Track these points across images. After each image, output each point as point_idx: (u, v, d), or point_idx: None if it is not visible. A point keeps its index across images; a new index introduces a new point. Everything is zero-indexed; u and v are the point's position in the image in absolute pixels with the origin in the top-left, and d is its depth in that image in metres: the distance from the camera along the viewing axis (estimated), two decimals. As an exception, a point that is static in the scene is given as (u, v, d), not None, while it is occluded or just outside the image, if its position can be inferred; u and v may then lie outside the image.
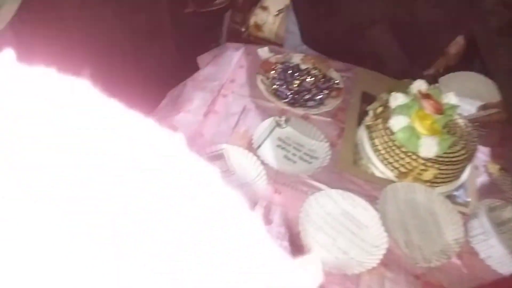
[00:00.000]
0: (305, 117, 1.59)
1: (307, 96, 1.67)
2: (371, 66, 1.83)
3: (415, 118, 1.40)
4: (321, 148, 1.50)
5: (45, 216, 0.27)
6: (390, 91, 1.51)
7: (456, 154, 1.36)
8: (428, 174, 1.37)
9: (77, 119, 0.27)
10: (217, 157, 1.34)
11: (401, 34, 1.72)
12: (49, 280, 0.27)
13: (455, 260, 1.27)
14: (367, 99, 1.69)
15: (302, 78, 1.72)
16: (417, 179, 1.38)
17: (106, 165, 0.28)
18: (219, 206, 0.29)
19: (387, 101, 1.49)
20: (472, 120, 1.52)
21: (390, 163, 1.42)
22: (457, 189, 1.46)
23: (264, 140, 1.47)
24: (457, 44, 1.91)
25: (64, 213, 0.27)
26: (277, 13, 2.37)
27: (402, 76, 1.76)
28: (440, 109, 1.41)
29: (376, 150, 1.46)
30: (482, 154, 1.59)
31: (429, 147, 1.34)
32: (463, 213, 1.35)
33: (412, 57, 1.81)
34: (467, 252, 1.29)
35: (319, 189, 1.36)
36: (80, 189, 0.27)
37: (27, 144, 0.26)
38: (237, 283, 0.29)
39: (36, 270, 0.27)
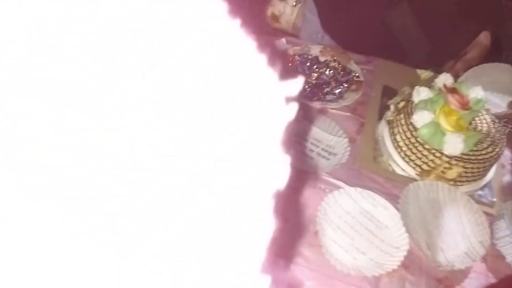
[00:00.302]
0: (323, 112, 1.60)
1: (325, 90, 1.68)
2: (392, 53, 1.82)
3: (440, 114, 1.40)
4: (339, 144, 1.50)
5: (45, 216, 0.28)
6: (412, 85, 1.51)
7: (482, 152, 1.36)
8: (452, 173, 1.37)
9: (77, 119, 0.29)
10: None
11: (423, 19, 1.72)
12: (49, 280, 0.29)
13: (479, 264, 1.27)
14: (388, 92, 1.69)
15: (320, 70, 1.72)
16: (440, 178, 1.38)
17: (106, 165, 0.29)
18: (220, 206, 0.31)
19: (410, 95, 1.49)
20: (500, 116, 1.52)
21: (412, 160, 1.42)
22: (482, 188, 1.46)
23: (280, 135, 1.48)
24: (480, 46, 1.89)
25: (64, 213, 0.28)
26: (294, 3, 2.37)
27: (423, 65, 1.76)
28: (466, 104, 1.40)
29: (397, 147, 1.46)
30: (509, 151, 1.58)
31: (454, 144, 1.34)
32: (488, 214, 1.35)
33: (436, 46, 1.80)
34: (493, 255, 1.29)
35: (338, 187, 1.36)
36: (80, 189, 0.28)
37: (27, 144, 0.28)
38: (237, 283, 0.31)
39: (36, 270, 0.28)
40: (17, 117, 0.28)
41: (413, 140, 1.39)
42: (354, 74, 1.74)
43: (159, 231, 0.29)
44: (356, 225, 1.28)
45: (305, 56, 1.77)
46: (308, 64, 1.73)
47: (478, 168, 1.37)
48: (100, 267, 0.29)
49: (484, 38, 1.89)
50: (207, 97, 0.30)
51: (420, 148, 1.38)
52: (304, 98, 1.63)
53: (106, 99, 0.29)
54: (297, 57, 1.76)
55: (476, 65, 1.87)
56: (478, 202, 1.38)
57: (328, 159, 1.46)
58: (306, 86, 1.67)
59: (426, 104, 1.40)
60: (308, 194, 1.34)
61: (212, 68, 0.31)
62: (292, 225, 1.27)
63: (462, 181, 1.39)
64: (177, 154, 0.30)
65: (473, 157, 1.35)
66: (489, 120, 1.44)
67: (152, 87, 0.30)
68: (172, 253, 0.29)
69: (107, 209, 0.28)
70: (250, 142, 0.31)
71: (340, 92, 1.67)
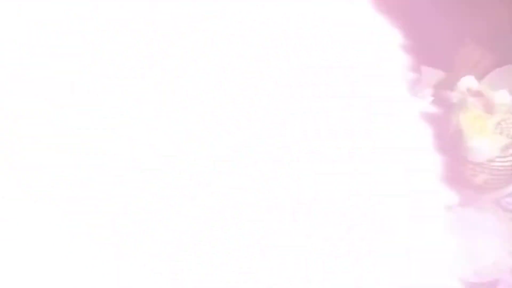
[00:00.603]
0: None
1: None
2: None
3: (465, 119, 1.38)
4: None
5: (45, 216, 0.29)
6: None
7: (509, 158, 1.34)
8: (478, 180, 1.35)
9: (77, 119, 0.30)
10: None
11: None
12: (49, 279, 0.30)
13: (508, 275, 1.25)
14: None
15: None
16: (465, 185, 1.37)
17: (106, 165, 0.30)
18: (219, 206, 0.32)
19: (432, 99, 1.48)
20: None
21: (436, 167, 1.40)
22: (509, 195, 1.44)
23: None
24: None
25: (64, 213, 0.29)
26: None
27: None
28: (492, 108, 1.38)
29: (420, 153, 1.44)
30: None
31: (479, 150, 1.32)
32: (517, 222, 1.33)
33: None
34: (522, 266, 1.27)
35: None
36: (80, 189, 0.29)
37: (27, 144, 0.29)
38: (237, 283, 0.32)
39: (36, 270, 0.30)
40: (17, 117, 0.29)
41: (436, 146, 1.38)
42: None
43: (159, 231, 0.30)
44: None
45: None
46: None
47: (504, 174, 1.35)
48: (100, 267, 0.30)
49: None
50: (208, 97, 0.31)
51: (443, 154, 1.36)
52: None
53: (106, 99, 0.30)
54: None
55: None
56: (506, 210, 1.36)
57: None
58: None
59: (450, 108, 1.38)
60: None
61: (212, 68, 0.32)
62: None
63: (488, 188, 1.37)
64: (177, 154, 0.31)
65: (499, 163, 1.33)
66: (515, 124, 1.42)
67: (152, 87, 0.31)
68: (172, 253, 0.30)
69: (107, 209, 0.30)
70: (250, 142, 0.32)
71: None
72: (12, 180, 0.30)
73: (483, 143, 1.31)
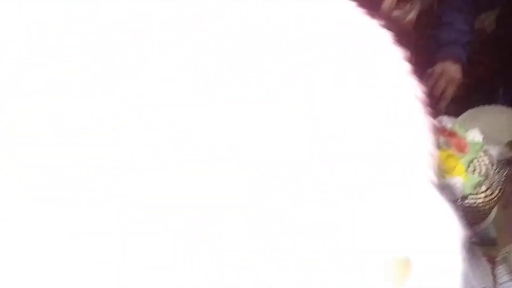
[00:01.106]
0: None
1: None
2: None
3: (438, 159, 1.40)
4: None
5: (45, 216, 0.29)
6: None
7: (481, 196, 1.37)
8: (452, 217, 1.37)
9: (77, 119, 0.30)
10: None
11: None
12: (49, 280, 0.29)
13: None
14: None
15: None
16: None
17: (106, 165, 0.30)
18: (220, 206, 0.31)
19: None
20: (499, 158, 1.53)
21: (410, 205, 1.42)
22: (483, 231, 1.46)
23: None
24: (452, 80, 1.92)
25: (64, 213, 0.29)
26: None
27: None
28: (464, 148, 1.42)
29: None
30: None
31: (453, 188, 1.35)
32: (491, 257, 1.35)
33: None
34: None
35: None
36: (80, 189, 0.29)
37: (27, 144, 0.29)
38: (237, 283, 0.31)
39: (36, 270, 0.29)
40: (17, 117, 0.29)
41: (410, 184, 1.39)
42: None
43: (159, 231, 0.30)
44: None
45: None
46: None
47: (478, 212, 1.37)
48: (100, 267, 0.29)
49: (453, 71, 1.95)
50: (208, 97, 0.31)
51: (418, 192, 1.38)
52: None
53: (106, 99, 0.30)
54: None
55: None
56: (480, 245, 1.38)
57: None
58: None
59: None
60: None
61: (212, 67, 0.32)
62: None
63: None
64: (177, 154, 0.31)
65: (472, 201, 1.35)
66: (487, 162, 1.45)
67: (152, 87, 0.31)
68: (173, 251, 0.30)
69: (107, 208, 0.29)
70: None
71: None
72: (12, 180, 0.29)
73: (456, 181, 1.33)
